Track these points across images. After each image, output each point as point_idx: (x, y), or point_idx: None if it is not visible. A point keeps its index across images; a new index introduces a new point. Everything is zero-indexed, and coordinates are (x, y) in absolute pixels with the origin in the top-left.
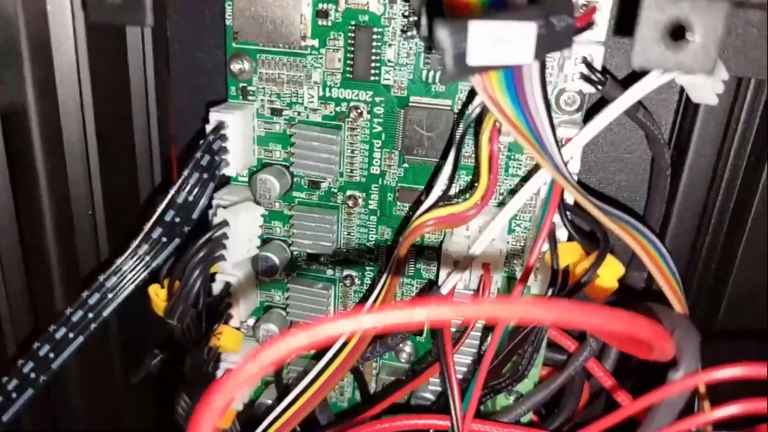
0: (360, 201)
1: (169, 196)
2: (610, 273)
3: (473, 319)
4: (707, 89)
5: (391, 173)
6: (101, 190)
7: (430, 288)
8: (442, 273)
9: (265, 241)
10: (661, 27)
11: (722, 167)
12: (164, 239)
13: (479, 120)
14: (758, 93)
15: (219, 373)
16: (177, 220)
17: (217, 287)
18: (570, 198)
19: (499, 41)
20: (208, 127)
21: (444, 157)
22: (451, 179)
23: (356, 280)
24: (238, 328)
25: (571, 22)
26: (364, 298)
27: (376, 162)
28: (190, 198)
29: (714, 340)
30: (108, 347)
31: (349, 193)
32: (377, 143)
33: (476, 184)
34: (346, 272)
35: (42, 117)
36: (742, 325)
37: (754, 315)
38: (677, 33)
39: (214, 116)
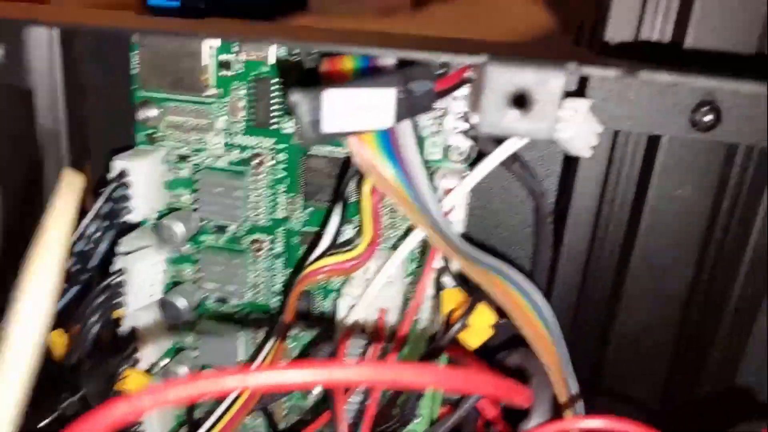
0: (265, 245)
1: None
2: (482, 321)
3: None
4: (580, 143)
5: (295, 218)
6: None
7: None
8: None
9: (175, 284)
10: (504, 96)
11: (604, 215)
12: (64, 286)
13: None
14: (637, 144)
15: None
16: (76, 267)
17: (122, 331)
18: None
19: (357, 107)
20: (110, 176)
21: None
22: (338, 229)
23: (264, 323)
24: (148, 370)
25: (430, 86)
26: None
27: (281, 207)
28: (90, 246)
29: (602, 386)
30: None
31: (254, 237)
32: (281, 188)
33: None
34: (254, 315)
35: None
36: (630, 368)
37: (641, 358)
38: (520, 101)
39: (117, 164)
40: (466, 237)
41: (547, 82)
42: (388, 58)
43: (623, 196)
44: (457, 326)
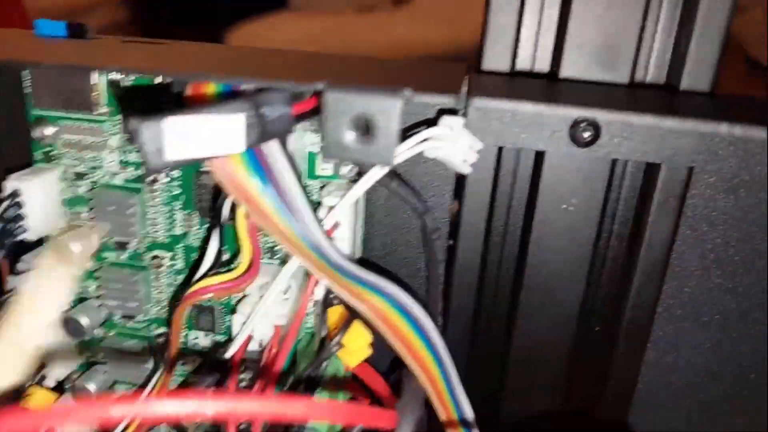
0: (165, 261)
1: None
2: (358, 340)
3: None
4: (458, 160)
5: (193, 234)
6: None
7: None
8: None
9: (80, 300)
10: (345, 122)
11: (495, 231)
12: None
13: None
14: (523, 160)
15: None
16: None
17: None
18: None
19: (203, 134)
20: (2, 195)
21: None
22: (219, 249)
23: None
24: (54, 388)
25: (286, 111)
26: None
27: (178, 223)
28: None
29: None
30: None
31: (154, 253)
32: (177, 205)
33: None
34: (159, 330)
35: None
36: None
37: (539, 375)
38: (364, 127)
39: (9, 184)
40: (363, 258)
41: (384, 109)
42: (249, 84)
43: (513, 212)
44: (332, 347)
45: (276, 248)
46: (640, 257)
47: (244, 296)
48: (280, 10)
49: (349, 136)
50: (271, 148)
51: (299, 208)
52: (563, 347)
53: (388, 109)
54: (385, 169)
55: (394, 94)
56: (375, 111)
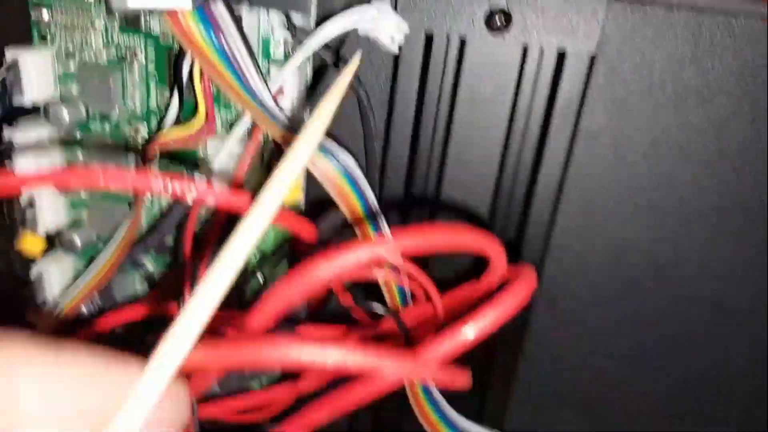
0: (142, 131)
1: None
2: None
3: None
4: (386, 39)
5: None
6: None
7: None
8: None
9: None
10: None
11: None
12: None
13: None
14: (448, 48)
15: (31, 276)
16: None
17: (23, 201)
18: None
19: None
20: (4, 62)
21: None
22: (179, 106)
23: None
24: (45, 238)
25: None
26: None
27: (153, 98)
28: None
29: None
30: None
31: (134, 123)
32: (152, 81)
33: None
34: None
35: None
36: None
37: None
38: None
39: (9, 53)
40: None
41: None
42: None
43: (441, 93)
44: None
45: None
46: (549, 138)
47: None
48: None
49: None
50: (220, 10)
51: (245, 64)
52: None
53: None
54: (321, 41)
55: None
56: None
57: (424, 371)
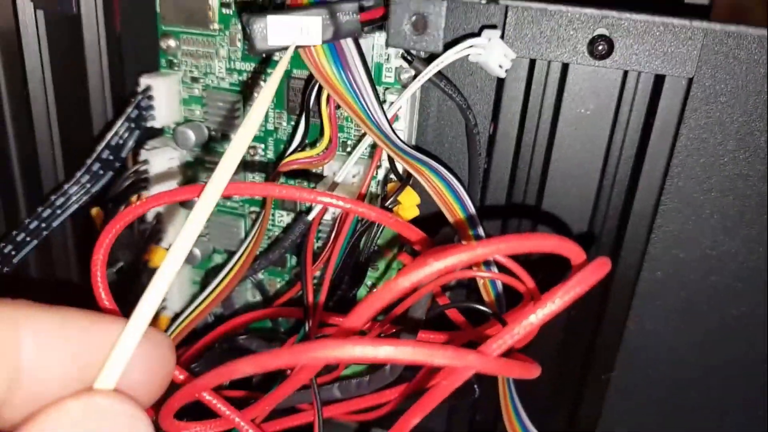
0: (259, 151)
1: (105, 140)
2: (409, 200)
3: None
4: (494, 65)
5: (281, 129)
6: (59, 135)
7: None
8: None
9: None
10: (407, 19)
11: (525, 131)
12: (101, 171)
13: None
14: (549, 71)
15: None
16: (110, 157)
17: (149, 216)
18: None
19: (293, 29)
20: (138, 89)
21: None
22: (305, 131)
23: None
24: (167, 249)
25: (356, 17)
26: None
27: (270, 120)
28: (121, 141)
29: None
30: (68, 261)
31: (251, 144)
32: (271, 104)
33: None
34: (252, 208)
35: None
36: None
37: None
38: (419, 23)
39: (143, 81)
40: (417, 146)
41: (434, 9)
42: None
43: (541, 114)
44: (391, 200)
45: (346, 142)
46: (646, 158)
47: (322, 177)
48: None
49: (408, 29)
50: (348, 46)
51: (368, 95)
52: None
53: (436, 8)
54: (436, 67)
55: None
56: (427, 10)
57: (483, 363)
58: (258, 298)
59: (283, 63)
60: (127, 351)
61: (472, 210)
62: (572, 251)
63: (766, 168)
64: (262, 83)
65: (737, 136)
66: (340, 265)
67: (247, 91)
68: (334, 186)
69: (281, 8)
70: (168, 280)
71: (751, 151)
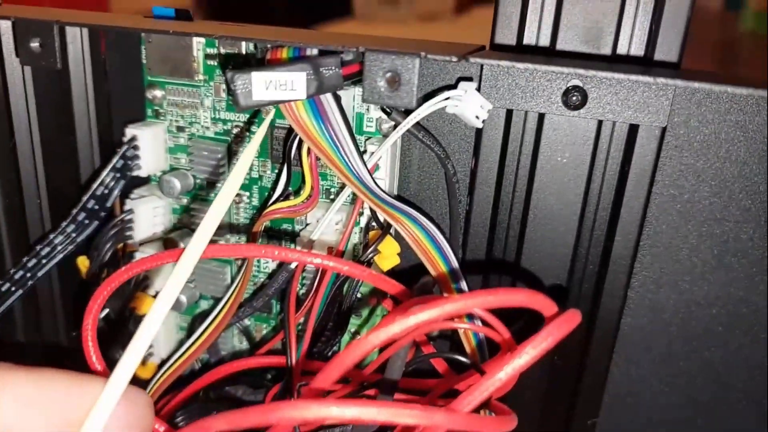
0: (245, 198)
1: (90, 190)
2: (389, 249)
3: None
4: (471, 116)
5: (266, 177)
6: (45, 186)
7: None
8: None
9: (176, 228)
10: (381, 75)
11: (506, 176)
12: (86, 221)
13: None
14: (526, 120)
15: None
16: (96, 207)
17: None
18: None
19: (277, 84)
20: (124, 139)
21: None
22: (287, 180)
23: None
24: (154, 296)
25: (338, 71)
26: None
27: (255, 168)
28: (106, 191)
29: None
30: (54, 309)
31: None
32: (255, 154)
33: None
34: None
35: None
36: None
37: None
38: (393, 79)
39: (129, 131)
40: (399, 196)
41: (406, 65)
42: (314, 49)
43: (519, 163)
44: (371, 249)
45: (330, 190)
46: (623, 204)
47: (306, 225)
48: (345, 19)
49: (382, 85)
50: (328, 99)
51: (348, 147)
52: (564, 264)
53: (409, 65)
54: (414, 119)
55: (413, 55)
56: (400, 67)
57: (452, 420)
58: (245, 344)
59: (265, 125)
60: (105, 411)
61: (453, 260)
62: (543, 304)
63: (741, 212)
64: (246, 132)
65: (711, 182)
66: (323, 312)
67: (231, 139)
68: (310, 243)
69: (264, 62)
70: (146, 342)
71: (725, 196)
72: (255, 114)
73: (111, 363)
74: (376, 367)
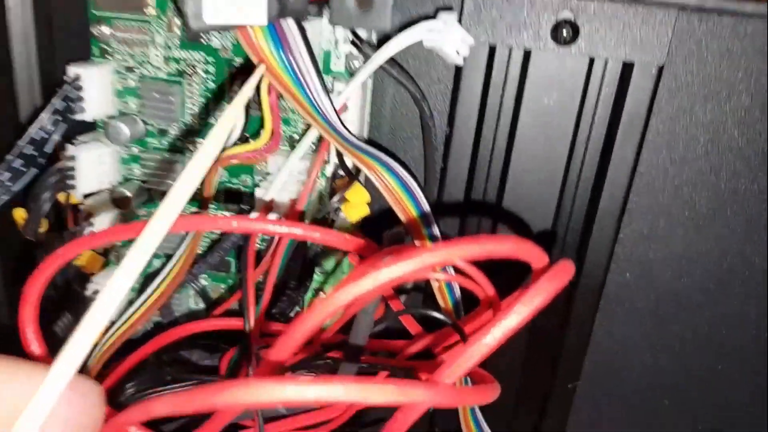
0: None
1: (28, 134)
2: (358, 197)
3: None
4: (451, 51)
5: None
6: None
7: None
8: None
9: (126, 180)
10: None
11: (487, 120)
12: (23, 168)
13: None
14: (510, 59)
15: (87, 292)
16: (34, 153)
17: (80, 214)
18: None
19: (235, 5)
20: (66, 78)
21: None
22: (244, 123)
23: None
24: (102, 253)
25: None
26: None
27: (212, 112)
28: (45, 135)
29: None
30: None
31: (192, 138)
32: (212, 96)
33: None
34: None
35: None
36: None
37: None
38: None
39: (71, 70)
40: (370, 140)
41: None
42: None
43: (502, 105)
44: (336, 197)
45: (293, 137)
46: (613, 152)
47: (267, 174)
48: None
49: (351, 5)
50: (290, 26)
51: (312, 81)
52: (547, 215)
53: None
54: (387, 53)
55: None
56: None
57: (434, 396)
58: (201, 305)
59: (254, 78)
60: (46, 403)
61: (427, 208)
62: (532, 254)
63: (739, 162)
64: (201, 74)
65: (709, 128)
66: (284, 268)
67: (186, 81)
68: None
69: None
70: (99, 325)
71: (723, 144)
72: (211, 53)
73: (54, 339)
74: (340, 327)
